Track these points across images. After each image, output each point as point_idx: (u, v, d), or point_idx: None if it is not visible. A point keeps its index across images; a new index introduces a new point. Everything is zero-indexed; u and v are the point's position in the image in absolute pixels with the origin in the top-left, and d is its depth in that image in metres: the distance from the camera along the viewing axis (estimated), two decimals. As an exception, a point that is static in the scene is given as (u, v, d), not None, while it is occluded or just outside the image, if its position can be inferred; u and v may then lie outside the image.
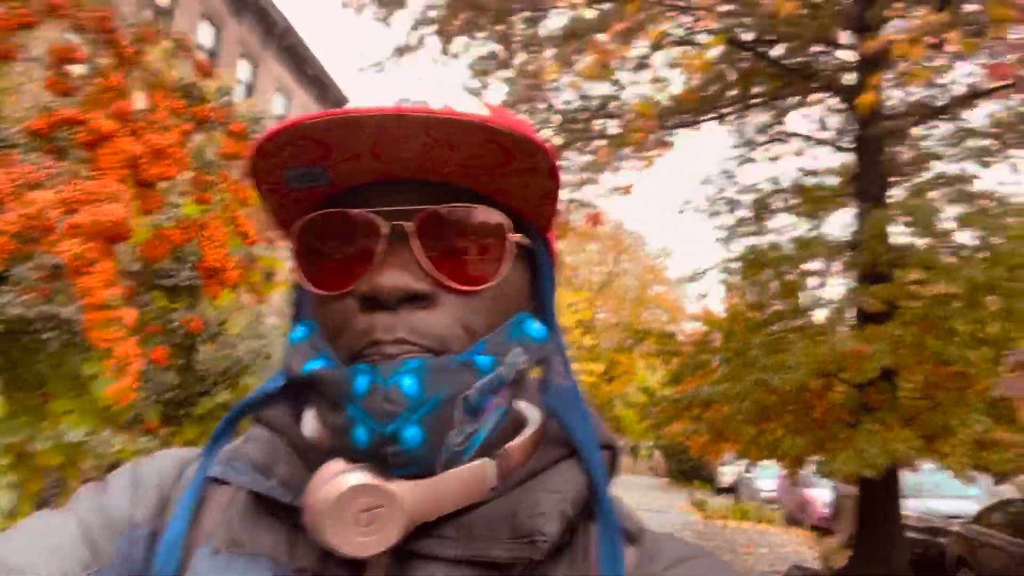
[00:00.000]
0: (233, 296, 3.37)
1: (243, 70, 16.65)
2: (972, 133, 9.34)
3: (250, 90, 16.84)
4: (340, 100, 21.18)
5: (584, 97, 11.01)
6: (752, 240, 10.37)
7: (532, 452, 0.55)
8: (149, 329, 2.60)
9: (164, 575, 0.52)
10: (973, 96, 8.82)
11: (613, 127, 11.12)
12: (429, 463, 0.48)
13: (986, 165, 9.33)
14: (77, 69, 2.21)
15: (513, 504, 0.50)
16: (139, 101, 2.22)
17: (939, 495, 10.56)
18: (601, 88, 10.66)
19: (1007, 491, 11.75)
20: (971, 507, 9.29)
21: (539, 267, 0.57)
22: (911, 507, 9.84)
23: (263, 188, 0.52)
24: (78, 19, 2.13)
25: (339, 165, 0.49)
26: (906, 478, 9.10)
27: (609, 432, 0.58)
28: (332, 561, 0.49)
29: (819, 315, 9.69)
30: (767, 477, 17.94)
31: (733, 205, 10.69)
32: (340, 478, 0.47)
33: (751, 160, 10.98)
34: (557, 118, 11.14)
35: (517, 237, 0.52)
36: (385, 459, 0.47)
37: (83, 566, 0.51)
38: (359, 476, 0.47)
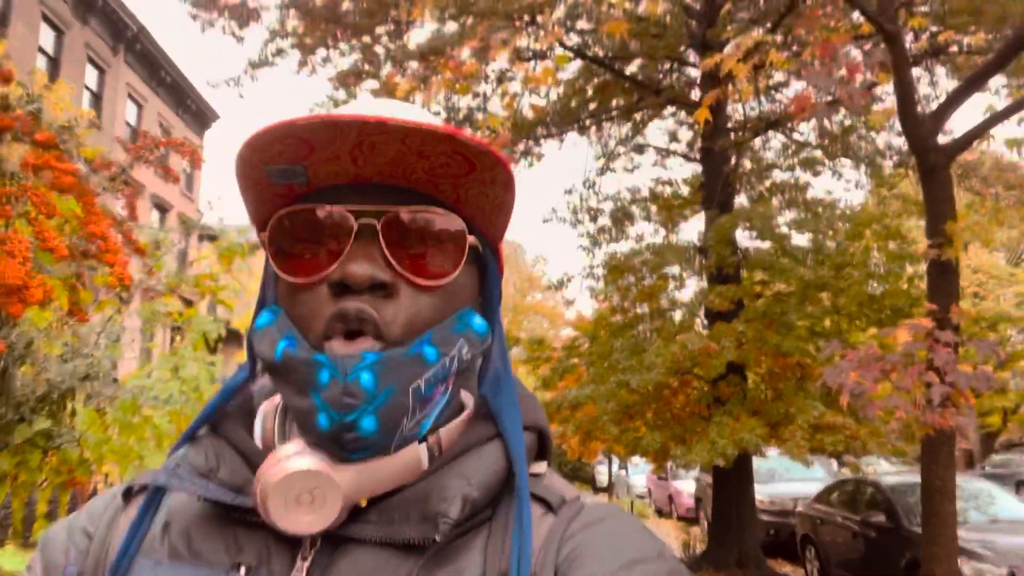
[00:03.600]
0: (52, 315, 3.18)
1: (90, 77, 15.57)
2: (804, 144, 10.20)
3: (98, 98, 15.77)
4: (200, 108, 20.23)
5: (451, 109, 11.15)
6: (613, 247, 10.84)
7: (462, 436, 0.60)
8: (-59, 353, 2.41)
9: None
10: (795, 113, 9.61)
11: (481, 138, 11.32)
12: (384, 447, 0.54)
13: (816, 174, 10.22)
14: None
15: (428, 489, 0.55)
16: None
17: (789, 479, 11.37)
18: (465, 101, 10.85)
19: (847, 473, 12.83)
20: (817, 488, 10.07)
21: (487, 271, 0.63)
22: (765, 492, 10.56)
23: (246, 181, 0.56)
24: None
25: (319, 165, 0.55)
26: (760, 464, 9.77)
27: (541, 417, 0.64)
28: (271, 551, 0.55)
29: (678, 317, 10.24)
30: (639, 474, 18.72)
31: (595, 214, 11.12)
32: (284, 463, 0.52)
33: (611, 170, 11.47)
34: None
35: (472, 239, 0.58)
36: (343, 444, 0.52)
37: None
38: (301, 462, 0.52)
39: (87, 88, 15.32)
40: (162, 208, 17.83)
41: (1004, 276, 18.16)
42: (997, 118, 5.30)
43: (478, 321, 0.59)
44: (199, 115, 20.37)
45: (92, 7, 15.18)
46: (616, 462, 19.24)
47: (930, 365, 4.77)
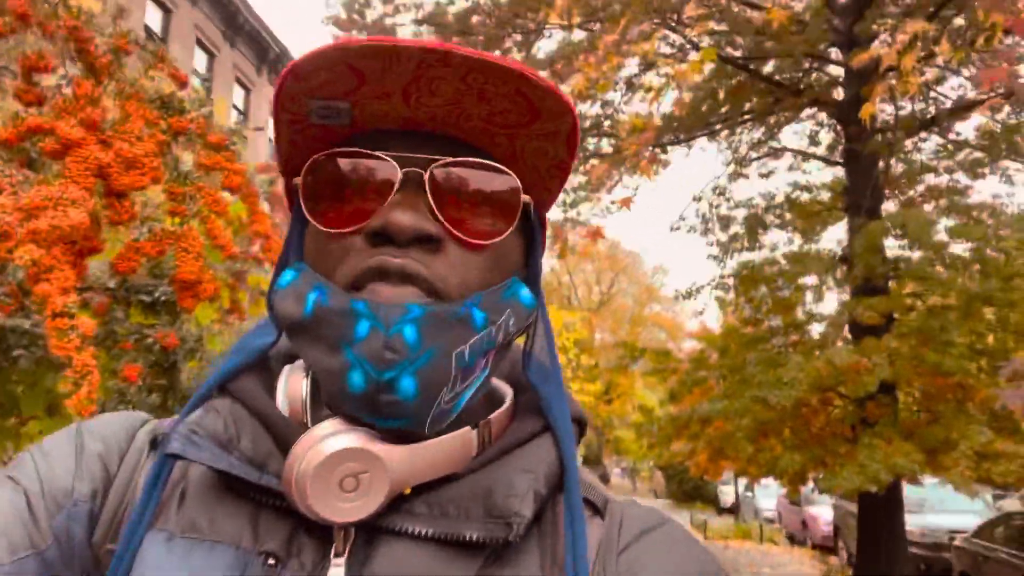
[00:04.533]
0: (216, 313, 3.31)
1: (237, 95, 16.70)
2: (963, 145, 9.36)
3: (243, 115, 16.88)
4: (334, 124, 21.21)
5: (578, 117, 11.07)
6: (746, 256, 10.36)
7: (508, 425, 0.55)
8: (123, 346, 2.53)
9: (120, 565, 0.48)
10: (963, 108, 8.86)
11: (606, 146, 11.19)
12: (420, 417, 0.47)
13: (978, 176, 9.35)
14: (48, 79, 2.17)
15: (488, 482, 0.50)
16: (111, 111, 2.18)
17: (943, 510, 10.43)
18: (594, 109, 10.75)
19: (1010, 505, 11.64)
20: (975, 522, 9.18)
21: (534, 240, 0.57)
22: (914, 523, 9.73)
23: (283, 116, 0.52)
24: (47, 29, 2.09)
25: (366, 103, 0.49)
26: (909, 493, 9.00)
27: (578, 406, 0.58)
28: (299, 541, 0.48)
29: (815, 331, 9.64)
30: (768, 496, 17.78)
31: (726, 222, 10.67)
32: (325, 442, 0.46)
33: (743, 176, 11.00)
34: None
35: (527, 198, 0.53)
36: (378, 407, 0.46)
37: (12, 550, 0.47)
38: (345, 439, 0.46)
39: (234, 107, 16.43)
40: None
41: None
42: None
43: (526, 293, 0.54)
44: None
45: (239, 30, 16.28)
46: (742, 482, 18.40)
47: None
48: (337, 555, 0.48)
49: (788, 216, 10.40)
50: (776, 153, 11.03)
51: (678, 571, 0.51)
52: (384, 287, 0.47)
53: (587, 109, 10.28)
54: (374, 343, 0.45)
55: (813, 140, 10.70)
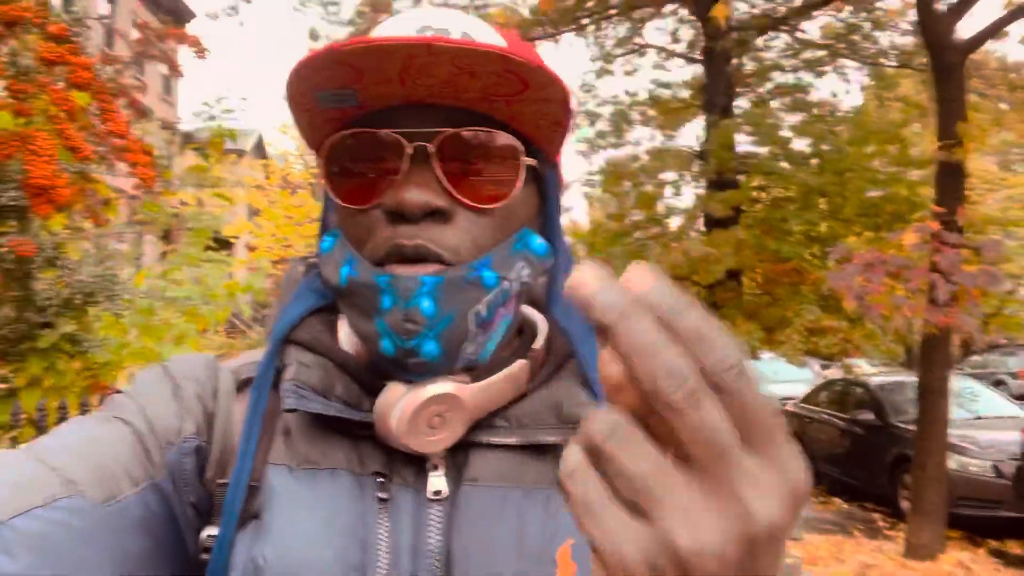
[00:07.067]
0: (66, 220, 3.13)
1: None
2: (808, 44, 9.94)
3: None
4: (176, 6, 19.31)
5: (446, 6, 10.71)
6: (612, 153, 10.70)
7: (547, 354, 0.62)
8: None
9: (236, 495, 0.54)
10: (810, 7, 9.33)
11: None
12: (447, 369, 0.55)
13: (820, 75, 10.01)
14: None
15: (554, 396, 0.59)
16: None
17: (777, 381, 11.74)
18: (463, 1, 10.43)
19: (833, 374, 13.23)
20: (803, 389, 10.41)
21: (547, 189, 0.61)
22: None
23: (297, 108, 0.55)
24: None
25: (370, 88, 0.52)
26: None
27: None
28: (396, 461, 0.56)
29: (674, 223, 10.24)
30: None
31: (593, 118, 10.90)
32: (415, 391, 0.54)
33: (609, 72, 11.16)
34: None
35: (530, 161, 0.56)
36: (407, 367, 0.54)
37: (134, 482, 0.53)
38: (433, 387, 0.54)
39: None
40: (141, 113, 17.23)
41: (995, 180, 18.21)
42: (1016, 14, 5.16)
43: (539, 242, 0.58)
44: (174, 12, 19.46)
45: None
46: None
47: (934, 267, 4.83)
48: (434, 468, 0.56)
49: (651, 113, 10.76)
50: (640, 50, 11.23)
51: None
52: (401, 266, 0.53)
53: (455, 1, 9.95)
54: (396, 315, 0.52)
55: (675, 37, 10.96)
